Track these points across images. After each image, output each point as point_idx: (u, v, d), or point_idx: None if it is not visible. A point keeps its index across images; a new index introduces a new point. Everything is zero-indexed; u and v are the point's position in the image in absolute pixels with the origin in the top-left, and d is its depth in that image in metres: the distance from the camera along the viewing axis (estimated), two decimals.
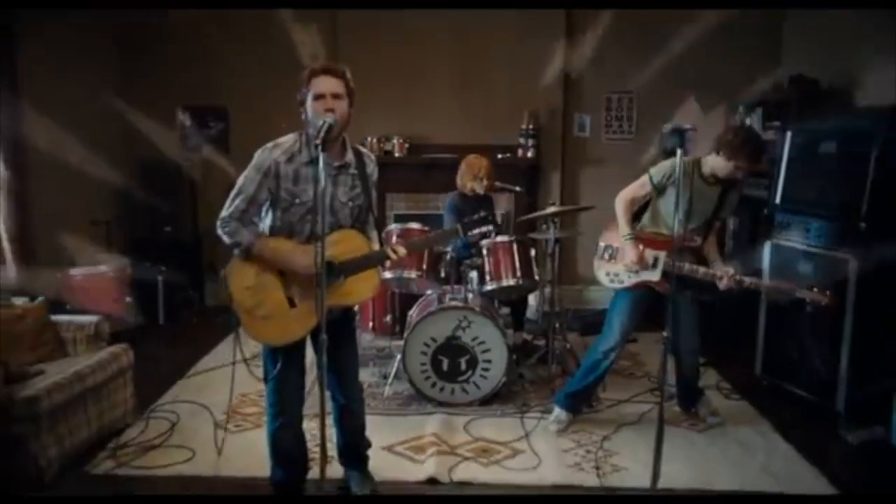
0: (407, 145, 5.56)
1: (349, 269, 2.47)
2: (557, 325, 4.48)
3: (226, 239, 2.46)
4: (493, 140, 5.49)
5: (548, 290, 4.42)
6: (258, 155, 2.49)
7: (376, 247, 2.58)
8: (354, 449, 2.90)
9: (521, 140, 5.58)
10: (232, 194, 2.48)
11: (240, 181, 2.48)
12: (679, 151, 2.51)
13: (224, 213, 2.46)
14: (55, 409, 3.00)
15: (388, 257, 2.49)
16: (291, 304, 2.48)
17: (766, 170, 4.24)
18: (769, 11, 5.53)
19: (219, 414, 3.63)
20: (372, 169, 2.61)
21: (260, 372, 2.65)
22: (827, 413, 3.63)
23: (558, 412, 3.52)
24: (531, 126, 5.57)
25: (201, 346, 4.78)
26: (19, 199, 4.16)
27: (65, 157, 4.56)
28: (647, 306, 3.40)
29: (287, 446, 2.62)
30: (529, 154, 5.61)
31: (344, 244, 2.48)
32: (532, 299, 4.99)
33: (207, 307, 5.68)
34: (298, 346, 2.54)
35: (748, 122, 5.20)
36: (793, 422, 3.63)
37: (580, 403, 3.57)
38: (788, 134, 4.03)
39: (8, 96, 4.10)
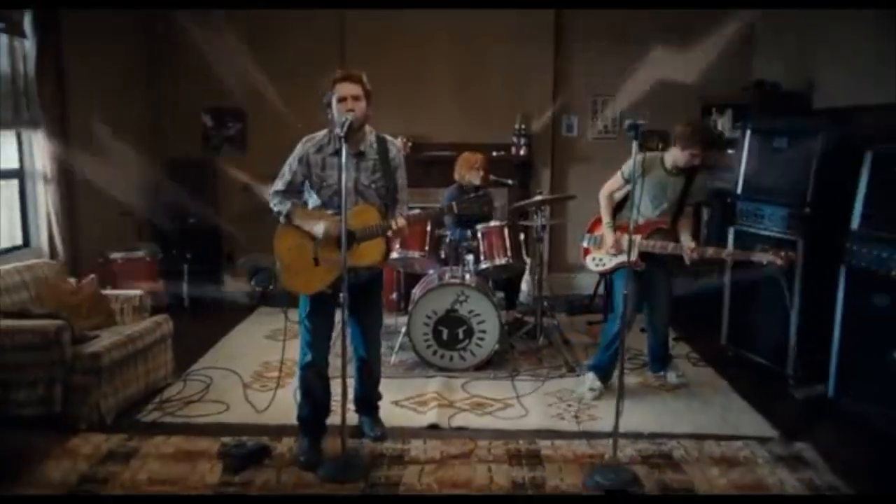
0: (410, 144, 6.07)
1: (361, 237, 2.99)
2: (546, 304, 5.01)
3: (273, 208, 3.08)
4: (489, 139, 6.00)
5: (538, 275, 4.97)
6: (298, 146, 3.05)
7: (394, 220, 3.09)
8: (369, 399, 3.42)
9: (515, 139, 6.09)
10: (278, 176, 3.08)
11: (284, 166, 3.07)
12: (635, 144, 3.02)
13: (272, 189, 3.08)
14: (112, 365, 3.53)
15: (391, 227, 3.00)
16: (316, 262, 3.01)
17: (731, 164, 4.77)
18: (742, 22, 6.03)
19: (246, 377, 4.15)
20: (394, 154, 3.11)
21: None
22: (780, 376, 4.14)
23: (589, 378, 3.92)
24: (523, 126, 6.09)
25: (224, 323, 5.30)
26: (65, 191, 4.67)
27: (102, 155, 5.07)
28: (643, 282, 3.85)
29: (312, 382, 3.13)
30: (522, 152, 6.12)
31: (360, 217, 2.99)
32: (524, 285, 5.50)
33: (225, 292, 6.18)
34: (324, 301, 3.05)
35: (719, 123, 5.73)
36: (750, 383, 4.14)
37: (606, 375, 3.93)
38: (748, 132, 4.56)
39: (56, 102, 4.60)
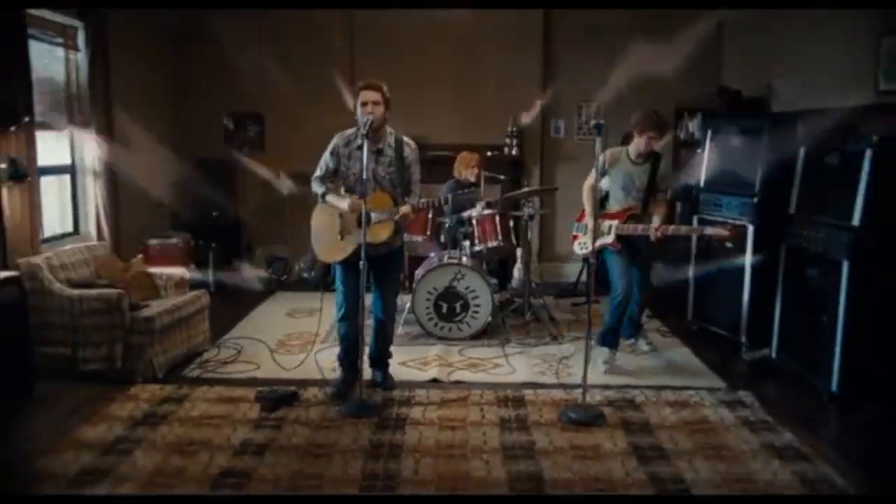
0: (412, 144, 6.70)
1: (375, 219, 3.63)
2: (534, 285, 5.65)
3: (313, 189, 3.81)
4: (484, 140, 6.65)
5: (527, 260, 5.62)
6: (333, 140, 3.74)
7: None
8: (382, 355, 4.06)
9: (507, 140, 6.75)
10: (321, 163, 3.80)
11: (323, 157, 3.79)
12: (598, 139, 3.67)
13: (313, 176, 3.83)
14: (162, 329, 4.17)
15: (397, 213, 3.66)
16: (342, 237, 3.66)
17: (697, 163, 5.42)
18: (712, 35, 6.68)
19: (272, 345, 4.79)
20: (408, 153, 3.77)
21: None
22: (735, 343, 4.79)
23: (602, 351, 4.41)
24: (515, 128, 6.74)
25: (247, 303, 5.93)
26: (110, 185, 5.31)
27: (140, 153, 5.72)
28: (628, 257, 4.37)
29: (345, 331, 3.82)
30: (514, 152, 6.78)
31: (376, 202, 3.64)
32: (516, 272, 6.14)
33: (246, 278, 6.80)
34: (352, 270, 3.67)
35: (690, 125, 6.39)
36: (709, 349, 4.78)
37: (613, 341, 4.44)
38: (709, 132, 5.22)
39: (103, 107, 5.25)
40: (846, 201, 3.84)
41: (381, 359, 4.08)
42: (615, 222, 4.36)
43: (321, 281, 6.26)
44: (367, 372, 3.96)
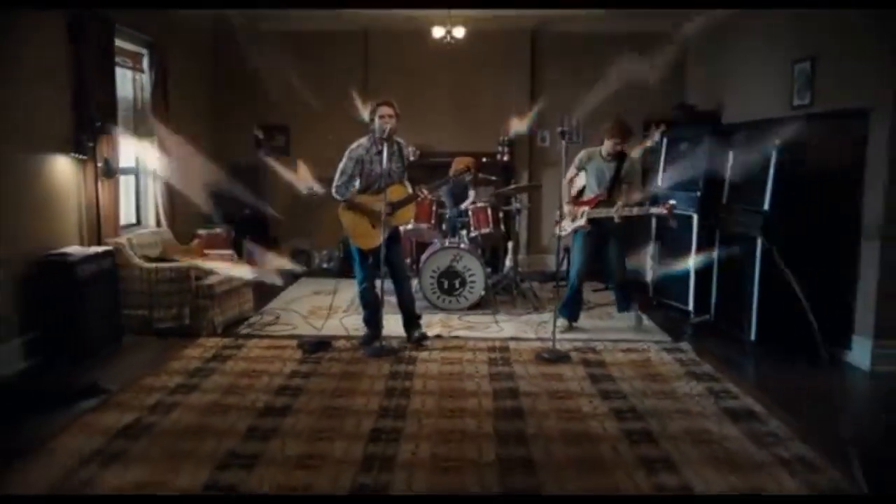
0: (418, 152, 7.76)
1: (398, 205, 4.69)
2: (521, 269, 6.70)
3: (337, 196, 4.72)
4: (479, 148, 7.71)
5: (515, 249, 6.67)
6: (349, 151, 4.72)
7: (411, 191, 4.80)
8: (410, 315, 5.04)
9: (499, 148, 7.83)
10: (338, 174, 4.72)
11: (341, 166, 4.72)
12: (564, 142, 4.73)
13: (335, 183, 4.73)
14: (220, 294, 5.23)
15: (418, 195, 4.71)
16: (374, 226, 4.69)
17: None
18: (678, 56, 7.77)
19: (303, 313, 5.83)
20: (407, 152, 4.83)
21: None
22: (685, 312, 5.83)
23: (562, 321, 5.41)
24: (506, 137, 7.82)
25: (277, 286, 6.96)
26: (166, 184, 6.37)
27: (187, 159, 6.79)
28: (592, 244, 5.39)
29: (367, 297, 4.85)
30: (505, 158, 7.85)
31: (395, 192, 4.69)
32: (508, 262, 7.17)
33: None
34: (374, 250, 4.73)
35: (656, 135, 7.45)
36: (664, 317, 5.83)
37: (570, 314, 5.46)
38: (665, 140, 6.29)
39: (163, 119, 6.33)
40: (759, 191, 4.91)
41: (410, 319, 5.05)
42: (586, 208, 5.40)
43: (339, 269, 7.38)
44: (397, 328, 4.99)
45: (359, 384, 4.12)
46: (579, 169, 5.47)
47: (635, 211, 5.27)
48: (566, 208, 5.43)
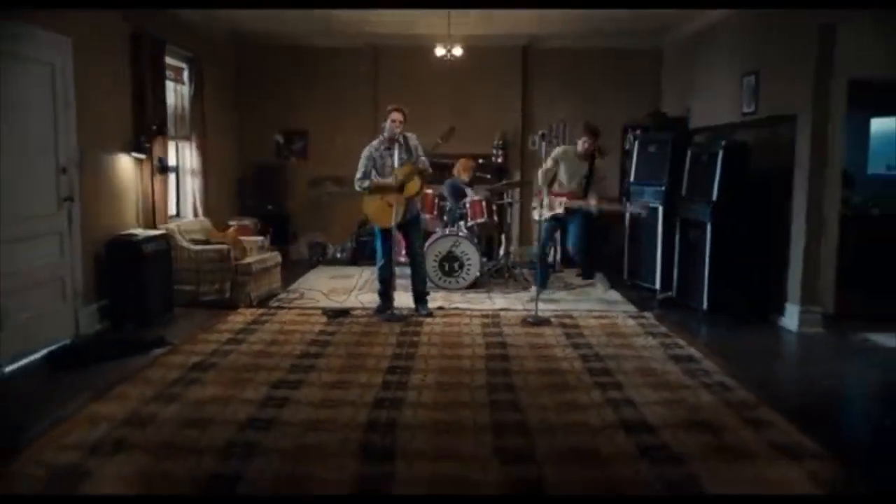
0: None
1: (405, 178, 5.60)
2: (512, 257, 7.64)
3: (358, 188, 5.66)
4: (476, 150, 8.63)
5: (506, 238, 7.61)
6: (365, 150, 5.66)
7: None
8: (421, 291, 5.96)
9: (494, 150, 8.77)
10: (359, 168, 5.66)
11: (360, 163, 5.65)
12: (544, 143, 5.67)
13: (356, 178, 5.66)
14: (256, 272, 6.17)
15: (421, 171, 5.64)
16: (390, 205, 5.62)
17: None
18: (654, 69, 8.73)
19: (324, 291, 6.76)
20: (414, 142, 5.73)
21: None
22: (652, 290, 6.75)
23: (544, 292, 6.49)
24: (501, 141, 8.77)
25: (298, 272, 7.89)
26: (202, 181, 7.32)
27: (219, 160, 7.74)
28: (558, 226, 6.45)
29: (384, 273, 5.76)
30: (499, 160, 8.80)
31: (403, 169, 5.61)
32: (501, 251, 8.11)
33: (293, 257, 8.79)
34: (389, 234, 5.64)
35: (632, 139, 8.39)
36: (635, 295, 6.75)
37: (542, 279, 6.50)
38: (637, 143, 7.24)
39: (199, 124, 7.28)
40: (709, 184, 5.85)
41: (420, 295, 5.98)
42: (564, 199, 6.34)
43: (351, 259, 8.34)
44: (407, 301, 5.91)
45: (375, 339, 5.04)
46: (555, 161, 6.41)
47: (605, 205, 6.27)
48: (545, 198, 6.35)
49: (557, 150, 6.41)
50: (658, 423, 3.44)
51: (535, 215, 6.52)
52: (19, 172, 4.41)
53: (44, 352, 4.56)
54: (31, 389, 4.06)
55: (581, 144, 6.27)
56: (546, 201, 6.32)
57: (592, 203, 6.29)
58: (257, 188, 8.73)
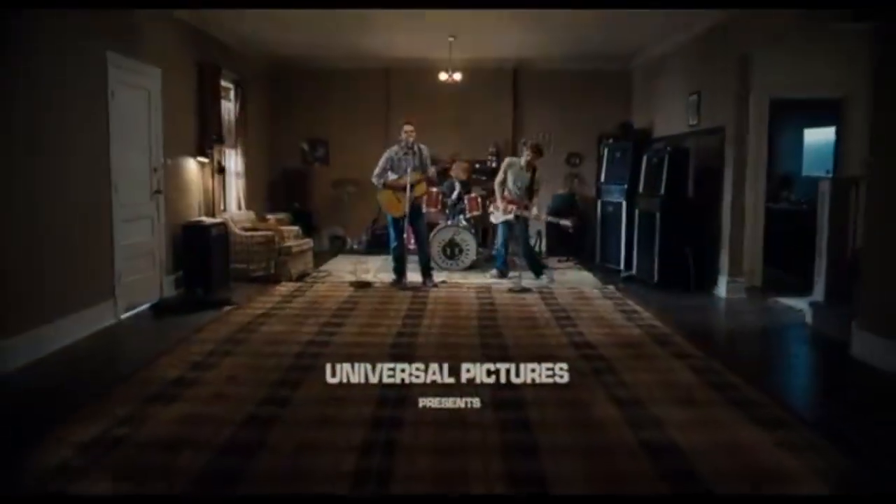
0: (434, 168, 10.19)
1: (414, 182, 7.07)
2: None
3: (375, 182, 7.14)
4: (473, 156, 10.12)
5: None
6: (386, 152, 7.16)
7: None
8: (426, 268, 7.43)
9: (489, 156, 10.25)
10: (377, 169, 7.14)
11: (380, 162, 7.14)
12: (525, 150, 7.15)
13: (375, 174, 7.15)
14: (295, 253, 7.65)
15: (430, 180, 7.12)
16: (399, 200, 7.09)
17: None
18: (625, 87, 10.22)
19: (347, 272, 8.23)
20: (425, 153, 7.21)
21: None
22: (618, 271, 8.21)
23: (494, 271, 7.96)
24: (494, 148, 10.26)
25: (321, 259, 9.36)
26: (247, 182, 8.79)
27: (255, 164, 9.22)
28: (509, 228, 7.87)
29: (397, 252, 7.22)
30: (493, 164, 10.26)
31: (415, 175, 7.08)
32: (495, 241, 9.56)
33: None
34: (399, 221, 7.12)
35: (605, 148, 9.87)
36: (602, 274, 8.21)
37: (503, 266, 7.91)
38: (606, 149, 8.73)
39: (242, 134, 8.76)
40: (658, 182, 7.32)
41: (426, 269, 7.43)
42: (514, 207, 7.74)
43: (367, 249, 9.83)
44: (418, 278, 7.37)
45: (392, 302, 6.49)
46: (504, 172, 7.81)
47: (548, 219, 7.76)
48: (500, 204, 7.74)
49: (506, 162, 7.84)
50: (597, 342, 4.90)
51: (493, 219, 7.95)
52: (129, 171, 5.89)
53: (145, 306, 6.03)
54: (146, 328, 5.54)
55: (525, 158, 7.67)
56: (501, 207, 7.72)
57: (533, 213, 7.68)
58: (286, 188, 10.22)
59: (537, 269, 7.83)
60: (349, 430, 3.22)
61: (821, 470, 2.86)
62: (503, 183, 7.69)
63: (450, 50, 8.70)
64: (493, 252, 8.12)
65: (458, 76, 8.91)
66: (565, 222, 7.79)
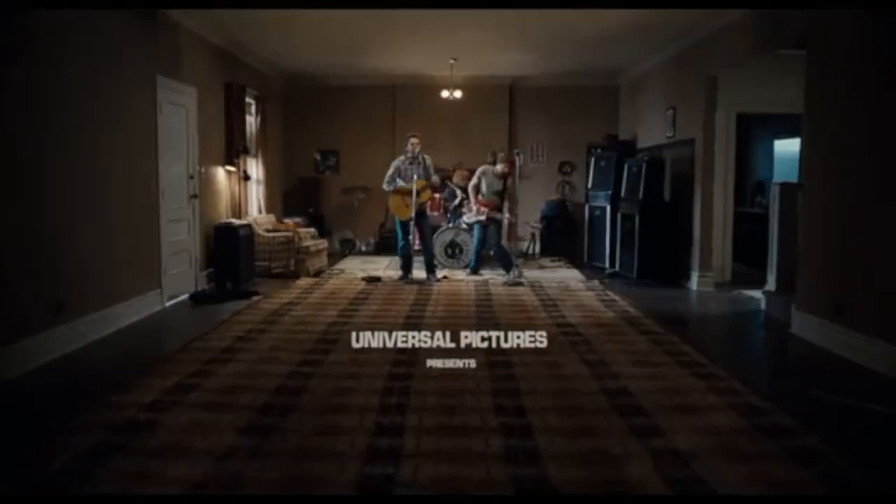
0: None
1: (421, 190, 7.96)
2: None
3: (385, 187, 8.03)
4: (472, 165, 10.97)
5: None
6: (395, 161, 8.05)
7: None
8: (430, 266, 8.29)
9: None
10: (387, 176, 8.03)
11: (390, 170, 8.03)
12: (520, 157, 8.02)
13: (385, 180, 8.03)
14: (312, 252, 8.53)
15: (433, 186, 8.00)
16: (407, 205, 7.98)
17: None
18: (612, 101, 11.12)
19: (359, 270, 9.09)
20: (428, 163, 8.09)
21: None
22: (603, 268, 9.07)
23: (468, 271, 8.82)
24: (491, 158, 11.10)
25: (333, 259, 10.23)
26: (268, 190, 9.67)
27: (274, 172, 10.10)
28: (484, 228, 8.71)
29: (404, 251, 8.09)
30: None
31: (420, 183, 7.96)
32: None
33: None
34: (406, 222, 8.00)
35: (593, 158, 10.75)
36: (590, 272, 9.07)
37: (476, 266, 8.76)
38: (593, 158, 9.62)
39: (263, 146, 9.65)
40: (637, 188, 8.20)
41: (429, 266, 8.29)
42: (486, 209, 8.59)
43: (375, 250, 10.68)
44: (422, 275, 8.23)
45: (400, 294, 7.35)
46: (478, 178, 8.67)
47: (515, 220, 8.63)
48: (474, 206, 8.60)
49: (480, 169, 8.68)
50: (576, 322, 5.76)
51: (465, 219, 8.85)
52: (171, 178, 6.77)
53: (183, 296, 6.89)
54: (189, 314, 6.40)
55: (499, 167, 8.53)
56: (475, 209, 8.59)
57: (506, 216, 8.58)
58: (301, 195, 11.11)
59: (507, 265, 8.60)
60: (372, 381, 4.07)
61: (733, 404, 3.71)
62: (477, 187, 8.54)
63: (451, 70, 9.60)
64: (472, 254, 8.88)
65: (458, 94, 9.79)
66: (503, 217, 8.58)
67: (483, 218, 8.48)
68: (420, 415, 3.55)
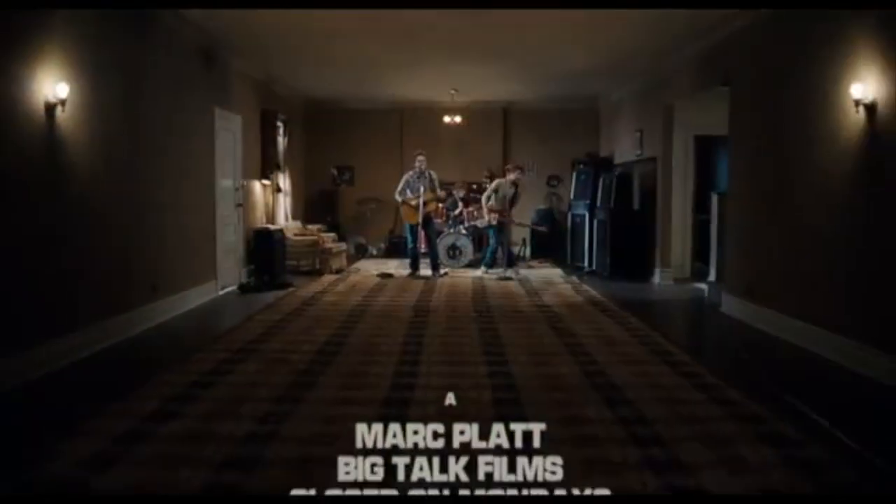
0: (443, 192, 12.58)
1: (427, 200, 9.45)
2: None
3: (397, 198, 9.55)
4: (471, 179, 12.49)
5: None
6: (405, 175, 9.58)
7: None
8: (435, 264, 9.78)
9: (484, 178, 12.62)
10: (398, 188, 9.56)
11: (400, 183, 9.55)
12: (519, 175, 9.53)
13: (397, 192, 9.59)
14: (333, 254, 10.03)
15: (439, 199, 9.51)
16: (416, 211, 9.47)
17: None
18: (593, 122, 12.63)
19: (374, 270, 10.58)
20: (434, 177, 9.61)
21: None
22: (582, 268, 10.54)
23: (483, 269, 10.29)
24: (487, 173, 12.63)
25: (350, 261, 11.71)
26: (292, 199, 11.16)
27: (297, 186, 11.61)
28: (498, 232, 10.20)
29: (413, 252, 9.61)
30: (487, 185, 12.62)
31: (427, 195, 9.46)
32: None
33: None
34: (414, 226, 9.50)
35: (575, 172, 12.23)
36: (573, 272, 10.54)
37: (490, 265, 10.29)
38: (574, 173, 11.13)
39: (289, 161, 11.15)
40: (609, 198, 9.70)
41: (434, 264, 9.76)
42: (496, 215, 10.06)
43: (386, 254, 12.18)
44: (428, 271, 9.70)
45: (410, 286, 8.83)
46: (493, 192, 10.15)
47: (530, 225, 10.15)
48: (485, 214, 10.08)
49: (495, 183, 10.17)
50: (552, 304, 7.25)
51: (479, 223, 10.36)
52: (224, 190, 8.27)
53: (231, 287, 8.38)
54: (238, 300, 7.88)
55: (512, 174, 10.02)
56: (486, 216, 10.08)
57: (514, 220, 10.09)
58: (320, 205, 12.61)
59: (511, 262, 10.13)
60: (394, 340, 5.54)
61: (657, 352, 5.18)
62: (489, 198, 10.04)
63: (452, 98, 11.14)
64: (487, 253, 10.41)
65: (458, 119, 11.33)
66: (511, 221, 10.10)
67: (493, 223, 9.96)
68: (429, 356, 5.03)
